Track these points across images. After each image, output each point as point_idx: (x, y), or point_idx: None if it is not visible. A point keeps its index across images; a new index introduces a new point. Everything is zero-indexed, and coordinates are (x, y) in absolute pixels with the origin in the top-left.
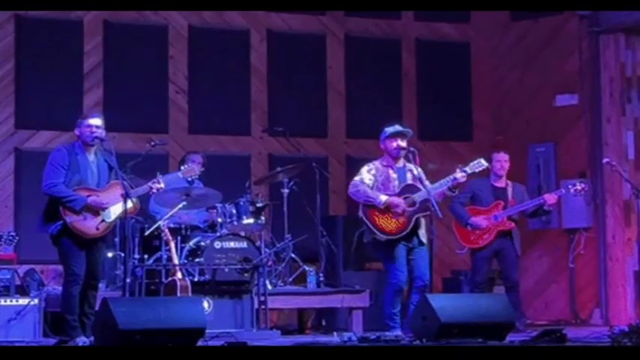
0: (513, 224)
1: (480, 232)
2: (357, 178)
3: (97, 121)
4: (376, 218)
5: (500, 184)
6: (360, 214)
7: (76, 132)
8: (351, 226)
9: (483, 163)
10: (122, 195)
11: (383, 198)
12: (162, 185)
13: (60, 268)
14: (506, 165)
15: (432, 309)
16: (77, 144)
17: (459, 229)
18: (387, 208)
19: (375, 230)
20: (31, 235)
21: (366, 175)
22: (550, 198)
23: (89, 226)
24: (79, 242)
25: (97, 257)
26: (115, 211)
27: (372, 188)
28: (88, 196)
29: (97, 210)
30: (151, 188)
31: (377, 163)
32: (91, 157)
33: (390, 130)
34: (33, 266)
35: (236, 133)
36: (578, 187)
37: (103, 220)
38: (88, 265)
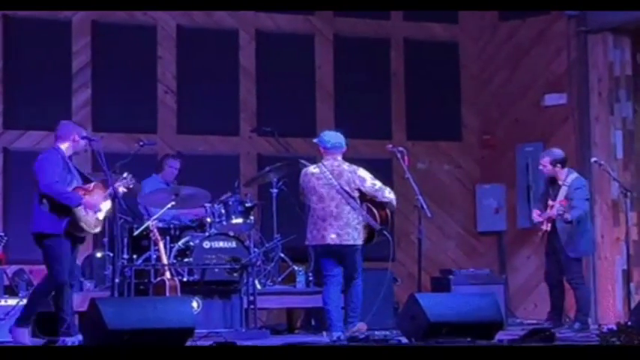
0: None
1: None
2: (380, 184)
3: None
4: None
5: None
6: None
7: (69, 142)
8: None
9: None
10: (109, 194)
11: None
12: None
13: None
14: None
15: (420, 308)
16: (64, 150)
17: None
18: None
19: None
20: (20, 235)
21: None
22: None
23: (90, 222)
24: (71, 246)
25: (75, 258)
26: (104, 208)
27: None
28: (84, 194)
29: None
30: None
31: None
32: (73, 162)
33: None
34: (22, 266)
35: (225, 133)
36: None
37: (97, 218)
38: (69, 266)
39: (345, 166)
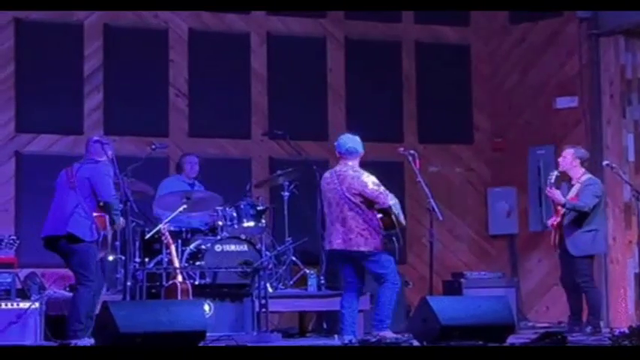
0: None
1: None
2: (383, 189)
3: None
4: None
5: None
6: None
7: (105, 156)
8: None
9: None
10: (121, 199)
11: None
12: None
13: (62, 271)
14: None
15: (432, 311)
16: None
17: None
18: None
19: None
20: (32, 238)
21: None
22: None
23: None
24: None
25: None
26: None
27: None
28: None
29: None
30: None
31: None
32: None
33: None
34: (34, 270)
35: (236, 137)
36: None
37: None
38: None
39: (351, 171)
